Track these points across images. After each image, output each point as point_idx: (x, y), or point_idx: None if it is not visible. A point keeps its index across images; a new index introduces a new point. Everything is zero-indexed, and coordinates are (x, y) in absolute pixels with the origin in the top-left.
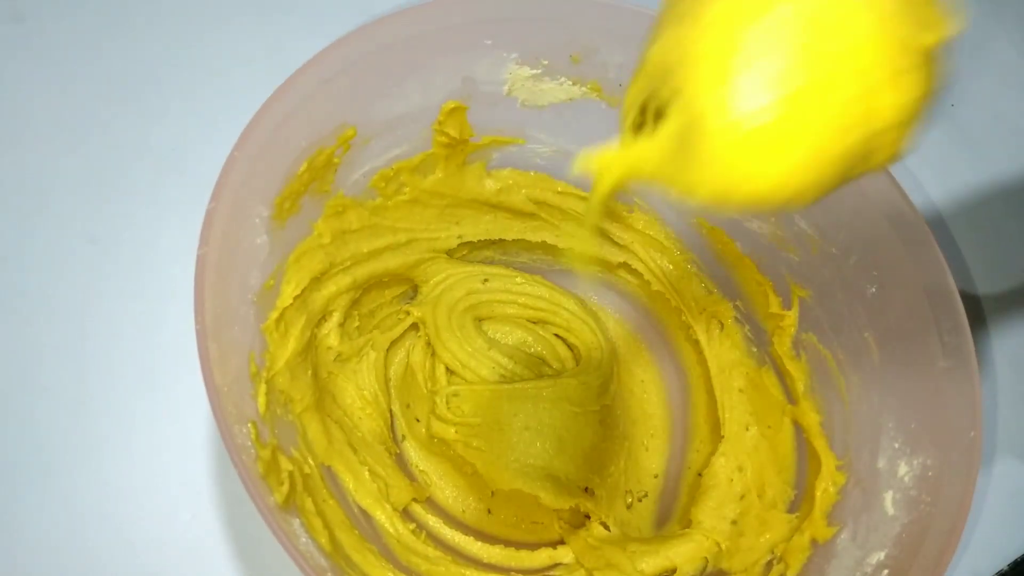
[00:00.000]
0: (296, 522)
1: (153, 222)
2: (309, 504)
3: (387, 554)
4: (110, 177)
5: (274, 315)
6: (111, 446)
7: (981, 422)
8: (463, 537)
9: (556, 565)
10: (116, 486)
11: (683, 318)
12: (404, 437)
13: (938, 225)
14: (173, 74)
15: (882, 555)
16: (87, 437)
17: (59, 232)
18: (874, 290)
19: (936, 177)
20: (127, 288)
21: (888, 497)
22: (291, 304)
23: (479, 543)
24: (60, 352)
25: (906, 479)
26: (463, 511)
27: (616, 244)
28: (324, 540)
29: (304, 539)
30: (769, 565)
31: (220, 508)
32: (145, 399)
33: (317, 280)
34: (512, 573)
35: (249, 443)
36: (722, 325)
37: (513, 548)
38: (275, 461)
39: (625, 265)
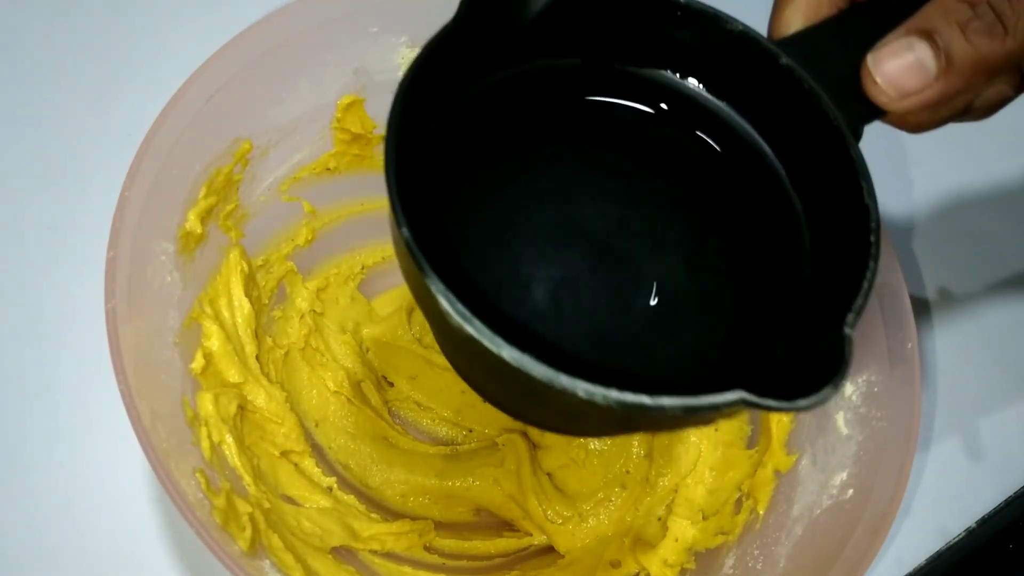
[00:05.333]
0: (266, 563)
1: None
2: (276, 541)
3: (366, 571)
4: (66, 162)
5: (200, 355)
6: (61, 452)
7: (916, 333)
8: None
9: (528, 547)
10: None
11: None
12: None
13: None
14: (127, 54)
15: (844, 475)
16: (37, 439)
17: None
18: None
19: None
20: (84, 276)
21: (840, 418)
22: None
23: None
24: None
25: (854, 398)
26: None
27: None
28: (299, 574)
29: None
30: (739, 503)
31: (176, 556)
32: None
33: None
34: (496, 559)
35: (201, 495)
36: None
37: (490, 538)
38: (232, 507)
39: None
